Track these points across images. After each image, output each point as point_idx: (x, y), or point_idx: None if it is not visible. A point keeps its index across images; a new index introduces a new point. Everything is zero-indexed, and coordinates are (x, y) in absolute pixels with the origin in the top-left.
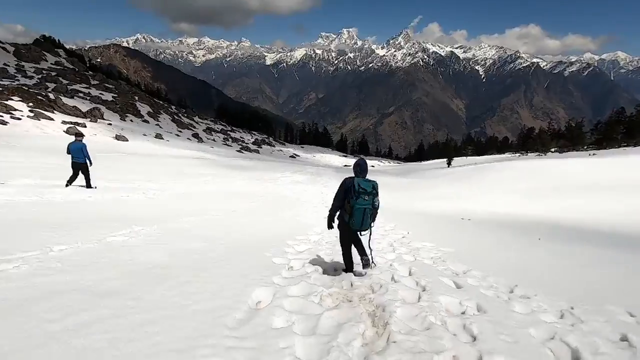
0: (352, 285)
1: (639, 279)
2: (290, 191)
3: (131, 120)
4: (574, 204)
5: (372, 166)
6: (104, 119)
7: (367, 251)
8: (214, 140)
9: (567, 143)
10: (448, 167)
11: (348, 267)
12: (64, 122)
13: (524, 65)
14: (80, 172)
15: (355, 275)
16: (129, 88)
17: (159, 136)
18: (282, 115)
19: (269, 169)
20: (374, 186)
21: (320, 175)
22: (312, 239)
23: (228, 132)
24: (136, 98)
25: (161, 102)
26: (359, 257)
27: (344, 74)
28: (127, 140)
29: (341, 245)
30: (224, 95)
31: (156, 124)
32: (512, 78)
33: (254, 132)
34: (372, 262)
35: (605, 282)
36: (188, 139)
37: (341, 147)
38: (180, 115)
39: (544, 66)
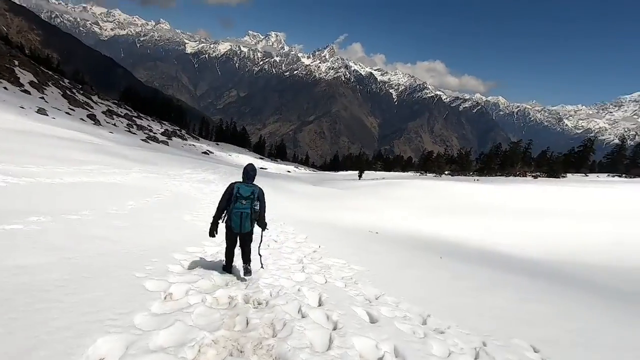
0: (247, 323)
1: (530, 304)
2: (198, 190)
3: (5, 88)
4: (465, 224)
5: (289, 171)
6: None
7: (257, 257)
8: (114, 125)
9: (458, 168)
10: (359, 179)
11: (227, 265)
12: None
13: (429, 95)
14: None
15: (238, 278)
16: (7, 49)
17: (42, 111)
18: (199, 109)
19: (176, 164)
20: (254, 192)
21: (233, 175)
22: (210, 251)
23: (133, 117)
24: (16, 62)
25: (50, 72)
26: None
27: (268, 76)
28: None
29: (226, 245)
30: (132, 77)
31: (40, 97)
32: (418, 105)
33: (164, 122)
34: (262, 266)
35: (505, 308)
36: (82, 119)
37: (259, 149)
38: (74, 91)
39: (444, 99)
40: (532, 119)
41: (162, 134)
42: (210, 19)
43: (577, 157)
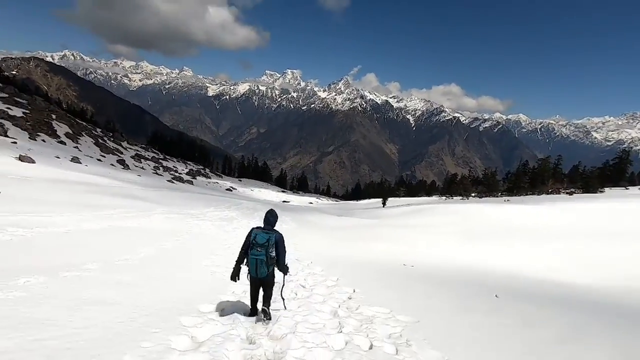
0: None
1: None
2: (219, 229)
3: (43, 141)
4: (504, 250)
5: (311, 203)
6: (7, 136)
7: (279, 300)
8: (142, 168)
9: (485, 189)
10: (383, 206)
11: (252, 309)
12: None
13: (447, 118)
14: None
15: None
16: (46, 105)
17: (75, 160)
18: (222, 147)
19: (199, 203)
20: (269, 239)
21: (257, 210)
22: (228, 309)
23: (160, 160)
24: (53, 116)
25: (84, 123)
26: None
27: (287, 112)
28: (34, 162)
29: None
30: (159, 122)
31: (74, 147)
32: (437, 128)
33: (189, 162)
34: (284, 306)
35: None
36: (112, 165)
37: (281, 183)
38: (105, 138)
39: (463, 121)
40: (558, 134)
41: (187, 173)
42: (229, 63)
43: (613, 170)
